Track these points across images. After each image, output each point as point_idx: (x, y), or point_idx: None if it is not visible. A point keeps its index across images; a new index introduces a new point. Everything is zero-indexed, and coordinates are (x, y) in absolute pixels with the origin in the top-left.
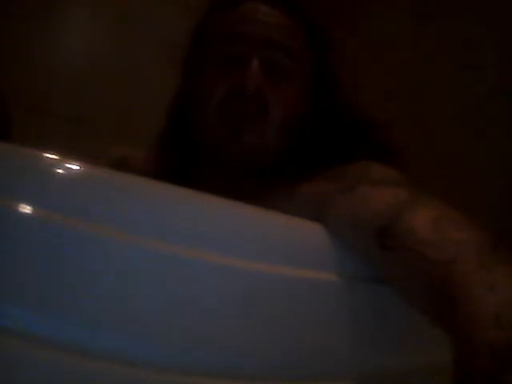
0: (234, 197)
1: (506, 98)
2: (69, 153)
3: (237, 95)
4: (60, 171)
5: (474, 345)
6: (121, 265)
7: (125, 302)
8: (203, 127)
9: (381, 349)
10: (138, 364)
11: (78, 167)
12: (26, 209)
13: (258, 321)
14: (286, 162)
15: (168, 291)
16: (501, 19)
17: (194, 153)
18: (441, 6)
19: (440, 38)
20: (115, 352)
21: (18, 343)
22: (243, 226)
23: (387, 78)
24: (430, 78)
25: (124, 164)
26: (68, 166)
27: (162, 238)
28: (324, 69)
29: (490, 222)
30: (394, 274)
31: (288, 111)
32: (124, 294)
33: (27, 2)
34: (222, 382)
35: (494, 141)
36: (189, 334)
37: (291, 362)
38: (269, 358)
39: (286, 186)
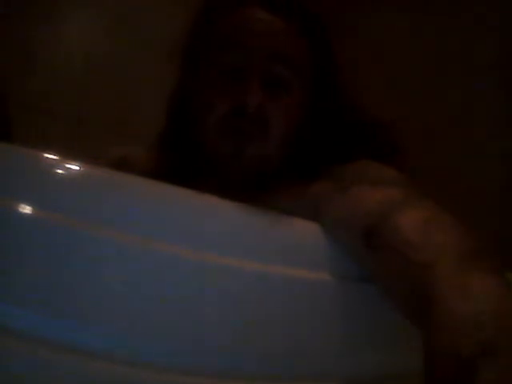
0: (234, 198)
1: (505, 98)
2: (69, 153)
3: (238, 112)
4: (60, 171)
5: (441, 349)
6: (121, 265)
7: (125, 302)
8: (204, 140)
9: (380, 349)
10: (138, 364)
11: (77, 167)
12: (26, 209)
13: (258, 321)
14: (287, 168)
15: (168, 291)
16: (501, 19)
17: (194, 154)
18: (441, 5)
19: (440, 38)
20: (115, 352)
21: (18, 343)
22: (242, 226)
23: (387, 79)
24: (430, 78)
25: (124, 164)
26: (68, 166)
27: (162, 237)
28: (326, 71)
29: (490, 222)
30: (379, 274)
31: (289, 124)
32: (124, 294)
33: (27, 2)
34: (221, 382)
35: (494, 141)
36: (189, 334)
37: (290, 362)
38: (268, 357)
39: (286, 187)
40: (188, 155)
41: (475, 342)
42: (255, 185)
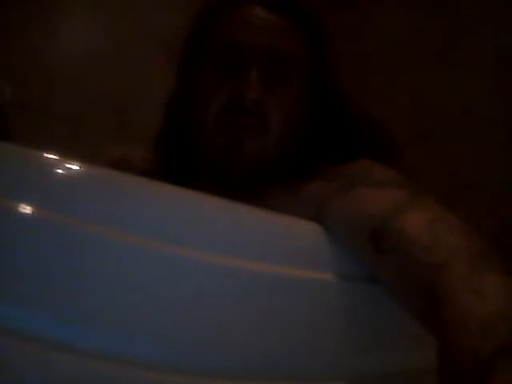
0: (234, 197)
1: (506, 98)
2: (69, 153)
3: (236, 106)
4: (60, 171)
5: (458, 351)
6: (120, 265)
7: (125, 302)
8: (202, 134)
9: (380, 349)
10: (139, 364)
11: (78, 167)
12: (26, 209)
13: (258, 321)
14: (286, 165)
15: (168, 291)
16: (500, 19)
17: (192, 153)
18: (441, 5)
19: (440, 38)
20: (115, 352)
21: (18, 343)
22: (242, 225)
23: (388, 79)
24: (430, 78)
25: (123, 164)
26: (68, 165)
27: (162, 237)
28: (323, 68)
29: (490, 223)
30: (387, 275)
31: (288, 119)
32: (124, 294)
33: (27, 2)
34: (221, 382)
35: (494, 141)
36: (189, 334)
37: (291, 362)
38: (268, 357)
39: (286, 186)
40: (187, 154)
41: (492, 342)
42: (254, 180)
